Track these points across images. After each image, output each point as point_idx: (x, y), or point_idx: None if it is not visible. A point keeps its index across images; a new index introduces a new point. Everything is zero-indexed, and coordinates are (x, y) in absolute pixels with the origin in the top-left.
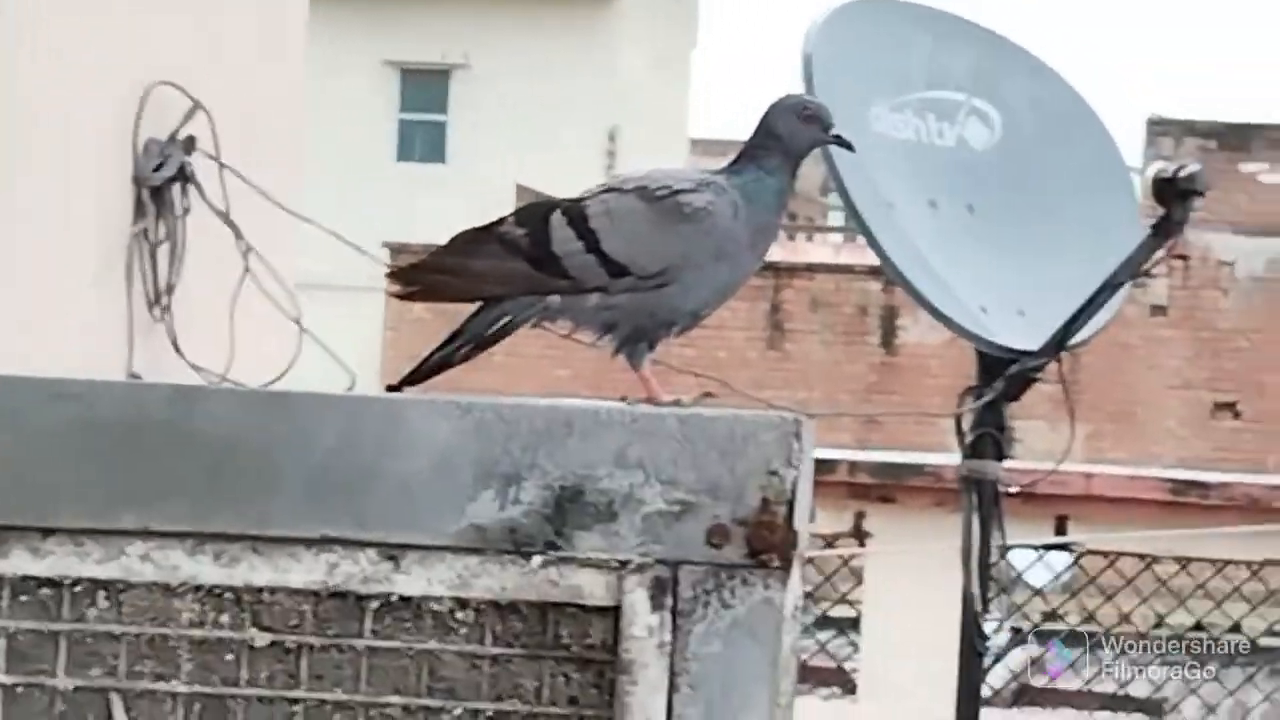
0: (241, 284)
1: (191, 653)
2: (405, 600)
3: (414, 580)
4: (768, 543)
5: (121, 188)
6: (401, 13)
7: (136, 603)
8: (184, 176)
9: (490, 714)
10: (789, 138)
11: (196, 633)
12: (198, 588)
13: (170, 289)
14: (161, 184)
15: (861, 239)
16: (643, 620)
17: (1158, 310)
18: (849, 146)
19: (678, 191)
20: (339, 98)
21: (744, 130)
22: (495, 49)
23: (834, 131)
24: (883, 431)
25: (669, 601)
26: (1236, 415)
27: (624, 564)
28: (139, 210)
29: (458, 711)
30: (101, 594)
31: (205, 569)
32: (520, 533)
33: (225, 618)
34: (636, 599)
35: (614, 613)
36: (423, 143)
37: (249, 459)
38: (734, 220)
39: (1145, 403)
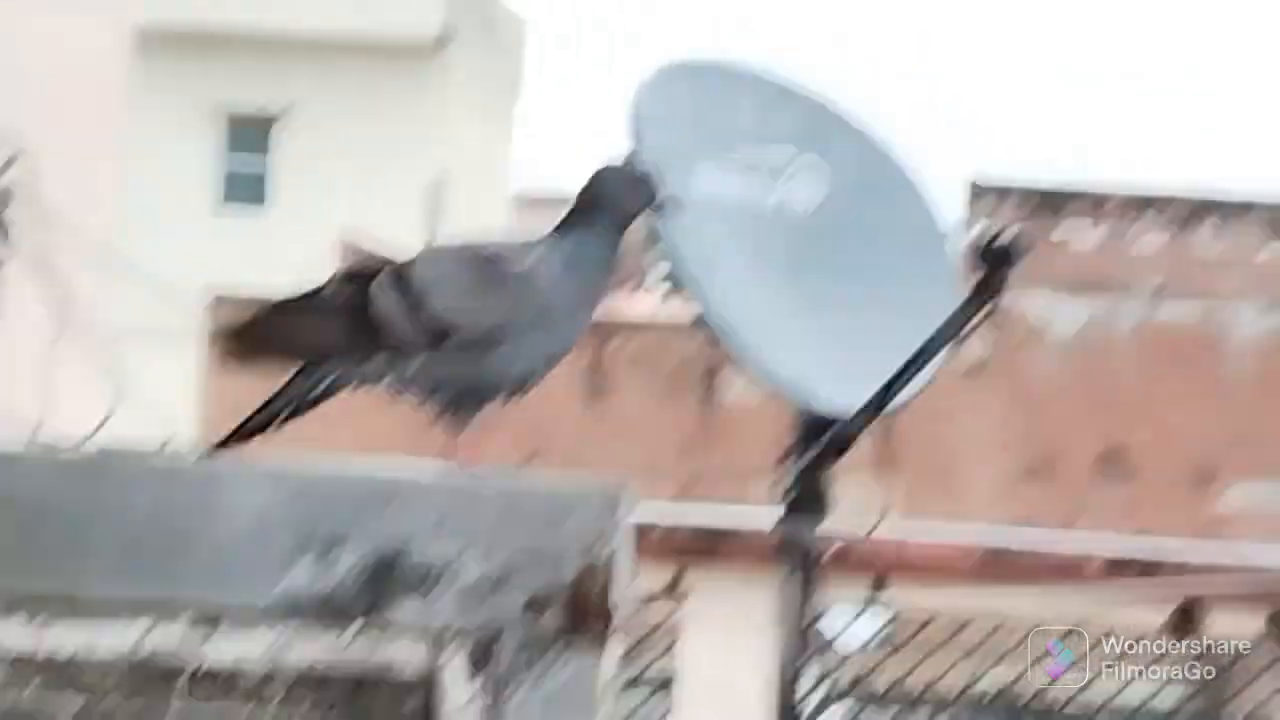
0: (59, 337)
1: None
2: (217, 670)
3: (226, 650)
4: (586, 612)
5: None
6: (228, 58)
7: None
8: (2, 228)
9: None
10: (616, 203)
11: (8, 694)
12: (7, 652)
13: None
14: None
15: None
16: (459, 690)
17: (975, 369)
18: (677, 210)
19: (501, 255)
20: (163, 143)
21: (568, 184)
22: (320, 97)
23: (662, 194)
24: (705, 484)
25: (487, 671)
26: (1051, 475)
27: (440, 634)
28: None
29: None
30: None
31: (15, 632)
32: (336, 601)
33: (35, 683)
34: (454, 668)
35: (429, 686)
36: (247, 189)
37: (62, 523)
38: (561, 284)
39: (961, 461)
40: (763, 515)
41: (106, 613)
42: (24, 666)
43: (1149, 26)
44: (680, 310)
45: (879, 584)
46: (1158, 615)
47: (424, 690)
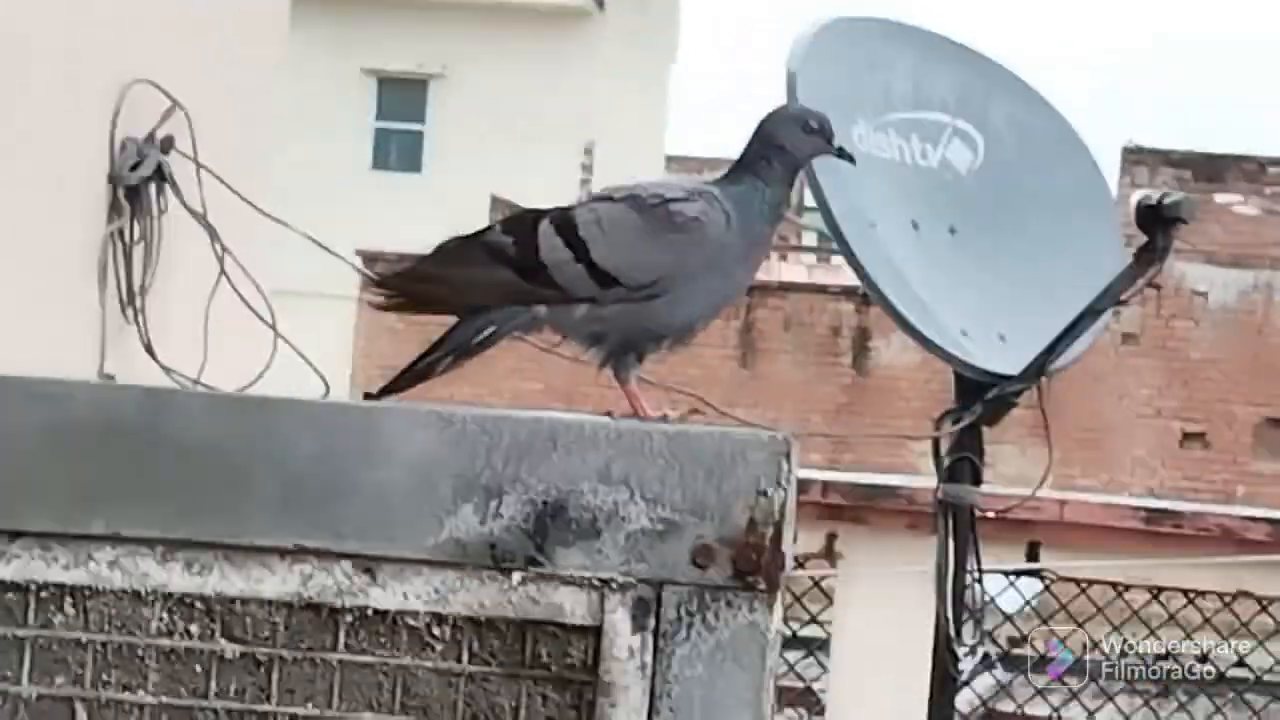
0: (216, 287)
1: (159, 663)
2: (380, 614)
3: (390, 594)
4: (754, 565)
5: (97, 187)
6: (380, 21)
7: (104, 610)
8: (161, 176)
9: None
10: (791, 148)
11: (165, 642)
12: (167, 596)
13: (144, 290)
14: (138, 183)
15: (836, 259)
16: (624, 641)
17: (1129, 338)
18: (851, 159)
19: (670, 201)
20: (316, 104)
21: (721, 148)
22: (474, 60)
23: (834, 141)
24: (853, 452)
25: (651, 623)
26: (1206, 445)
27: (606, 583)
28: (114, 210)
29: None
30: (68, 600)
31: (175, 577)
32: (500, 548)
33: (195, 628)
34: (618, 619)
35: (595, 633)
36: (398, 151)
37: (223, 466)
38: (727, 231)
39: (1115, 431)
40: (917, 478)
41: (269, 557)
42: (185, 610)
43: None
44: (832, 273)
45: (1035, 549)
46: None
47: (590, 639)
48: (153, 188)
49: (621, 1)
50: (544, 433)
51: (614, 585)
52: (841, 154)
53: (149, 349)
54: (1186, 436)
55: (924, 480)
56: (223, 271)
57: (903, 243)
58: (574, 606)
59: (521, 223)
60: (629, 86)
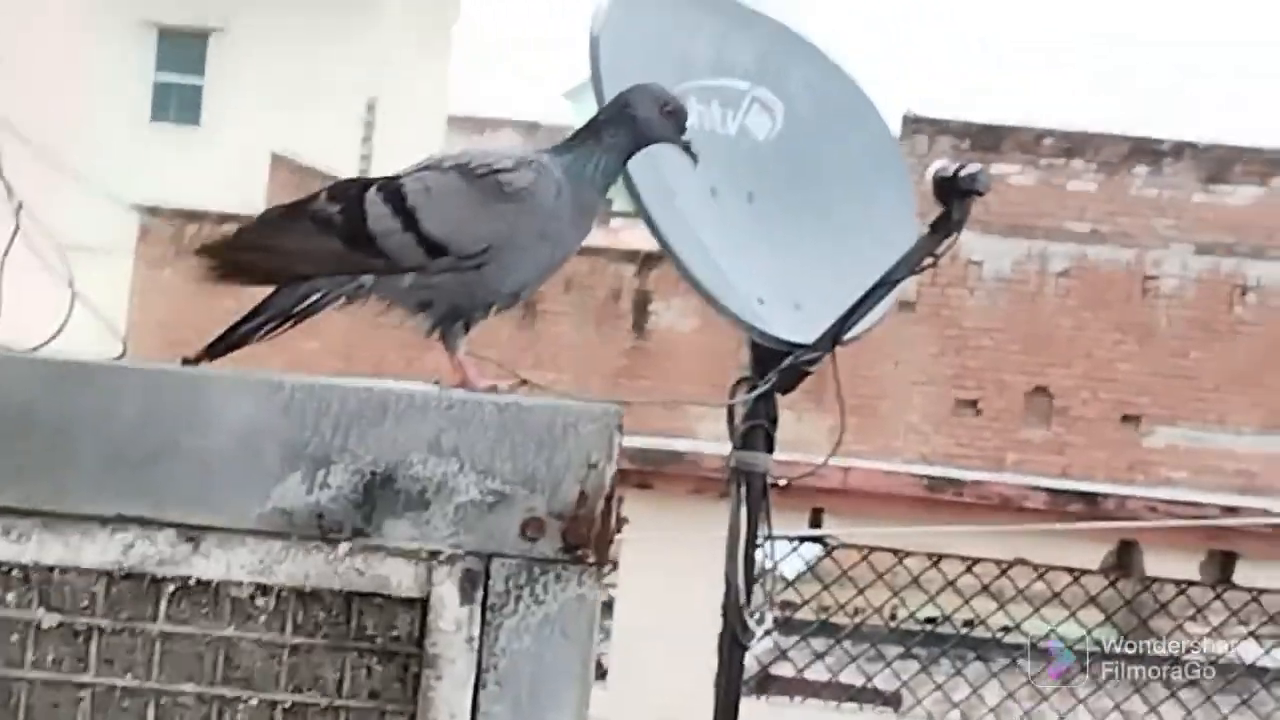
0: (12, 242)
1: None
2: (203, 584)
3: (213, 564)
4: (584, 537)
5: None
6: None
7: None
8: None
9: (288, 705)
10: (643, 124)
11: None
12: None
13: None
14: None
15: (616, 222)
16: (451, 613)
17: (905, 306)
18: (694, 158)
19: (499, 170)
20: (95, 54)
21: (502, 108)
22: (256, 14)
23: (685, 137)
24: (631, 416)
25: (479, 595)
26: (978, 413)
27: (434, 554)
28: None
29: (254, 702)
30: None
31: None
32: (328, 518)
33: (12, 596)
34: (445, 591)
35: (421, 605)
36: (178, 104)
37: (43, 430)
38: (556, 200)
39: (888, 397)
40: (698, 443)
41: (89, 525)
42: (3, 577)
43: None
44: (612, 236)
45: (818, 515)
46: (1096, 555)
47: (416, 610)
48: None
49: None
50: (374, 402)
51: (442, 557)
52: (687, 149)
53: None
54: (959, 404)
55: (709, 446)
56: (17, 226)
57: (701, 210)
58: (401, 578)
59: (348, 191)
60: (412, 44)
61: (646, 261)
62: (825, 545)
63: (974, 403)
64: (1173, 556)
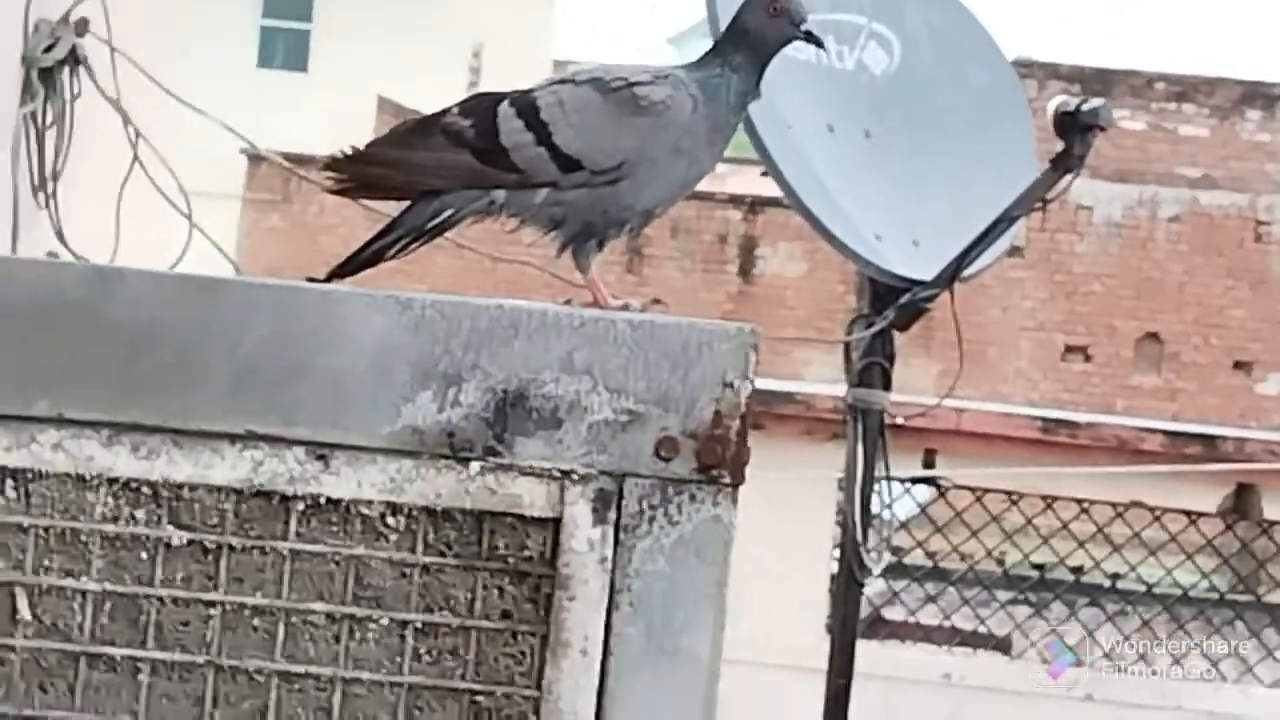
0: (130, 174)
1: (104, 549)
2: (333, 503)
3: (343, 482)
4: (719, 458)
5: (10, 68)
6: None
7: (47, 493)
8: (75, 60)
9: (419, 625)
10: (756, 34)
11: (109, 528)
12: (112, 480)
13: (56, 175)
14: (52, 65)
15: (723, 167)
16: (584, 534)
17: (1014, 251)
18: (819, 43)
19: (634, 84)
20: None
21: (609, 54)
22: None
23: (805, 27)
24: None
25: (612, 515)
26: (1087, 359)
27: (566, 474)
28: (27, 92)
29: (384, 621)
30: (10, 483)
31: (121, 461)
32: (459, 437)
33: (141, 513)
34: (578, 511)
35: (554, 525)
36: (285, 50)
37: (172, 347)
38: (692, 115)
39: (997, 342)
40: (807, 385)
41: (219, 442)
42: (132, 494)
43: None
44: (718, 181)
45: (931, 457)
46: (1213, 498)
47: (549, 530)
48: (66, 71)
49: None
50: (506, 319)
51: (574, 477)
52: (810, 37)
53: (59, 235)
54: (1068, 350)
55: (820, 388)
56: (135, 158)
57: (818, 146)
58: (533, 498)
59: (480, 105)
60: None
61: (753, 207)
62: (939, 487)
63: (1084, 349)
64: None
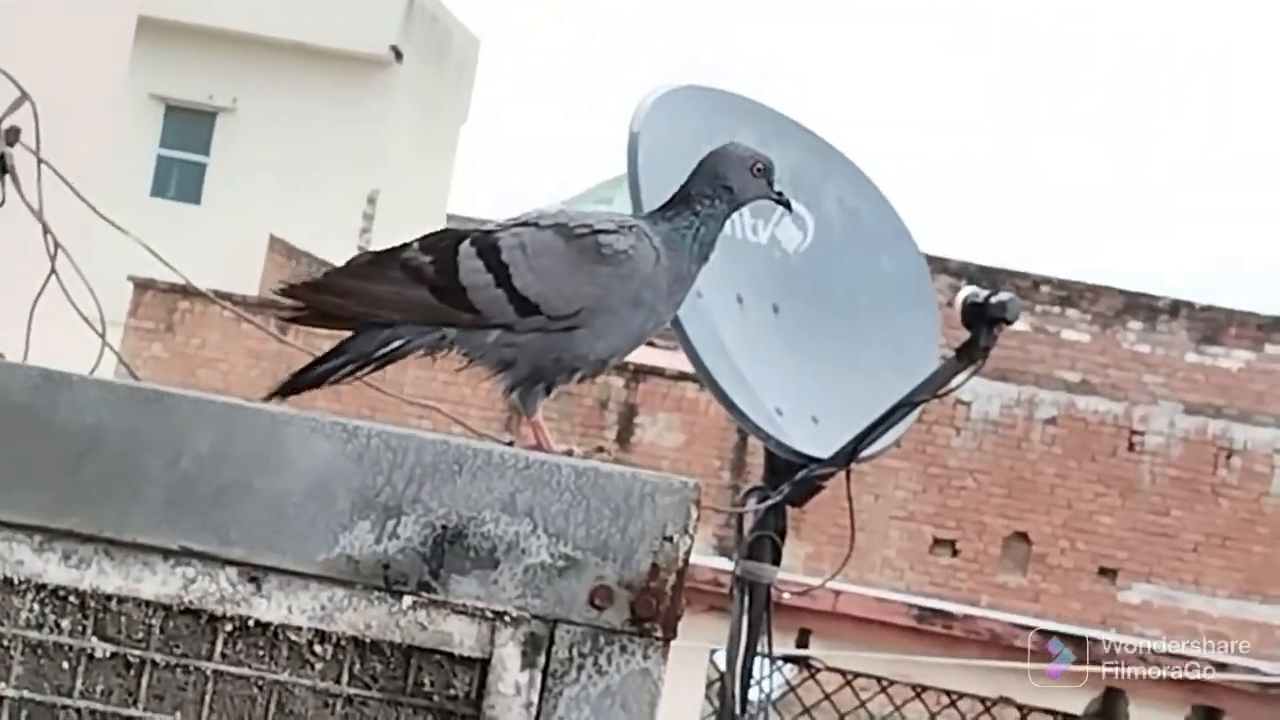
0: (45, 285)
1: (25, 656)
2: (262, 626)
3: (274, 606)
4: (653, 610)
5: None
6: (174, 47)
7: None
8: (2, 167)
9: None
10: (737, 188)
11: (34, 634)
12: (40, 586)
13: None
14: None
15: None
16: (511, 676)
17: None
18: (788, 206)
19: (598, 231)
20: (99, 125)
21: (502, 210)
22: (266, 97)
23: (777, 189)
24: None
25: (542, 660)
26: (955, 553)
27: (499, 615)
28: None
29: None
30: None
31: (51, 568)
32: (394, 569)
33: (66, 622)
34: (507, 653)
35: (482, 665)
36: (180, 181)
37: (113, 457)
38: (654, 267)
39: (867, 530)
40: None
41: (151, 555)
42: (59, 603)
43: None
44: None
45: (805, 636)
46: (1080, 701)
47: (476, 670)
48: None
49: (419, 56)
50: (450, 455)
51: (507, 618)
52: (780, 199)
53: None
54: (937, 542)
55: (696, 558)
56: (53, 271)
57: (726, 315)
58: (463, 636)
59: (440, 242)
60: (419, 140)
61: (636, 374)
62: (810, 668)
63: (952, 543)
64: (1157, 710)
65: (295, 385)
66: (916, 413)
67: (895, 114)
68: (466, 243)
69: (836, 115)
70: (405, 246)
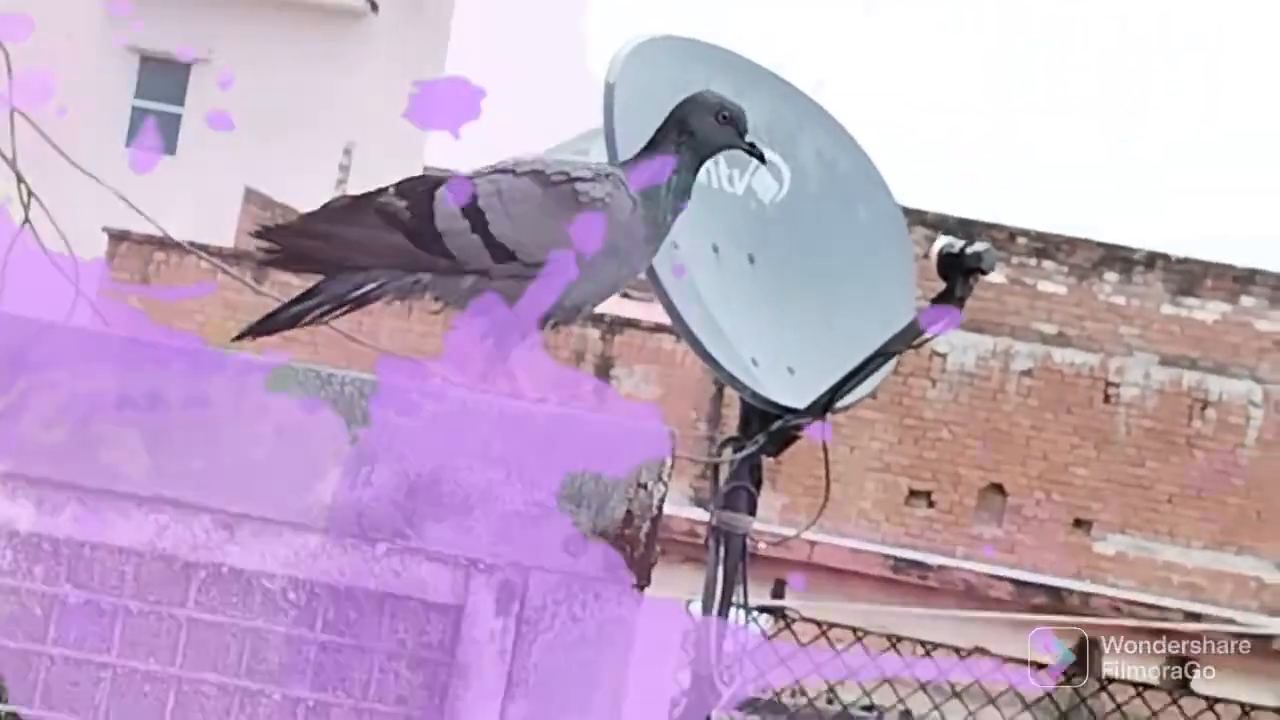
0: (18, 235)
1: None
2: (235, 573)
3: (247, 553)
4: (627, 557)
5: None
6: None
7: None
8: None
9: (311, 703)
10: (702, 136)
11: (6, 581)
12: (13, 534)
13: None
14: None
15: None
16: (485, 623)
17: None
18: (761, 157)
19: (575, 179)
20: (74, 77)
21: (479, 162)
22: (242, 48)
23: (748, 139)
24: None
25: (515, 607)
26: (931, 504)
27: (473, 562)
28: None
29: (277, 697)
30: None
31: (25, 514)
32: (368, 517)
33: (39, 569)
34: (481, 600)
35: (456, 612)
36: (154, 132)
37: (87, 405)
38: (630, 215)
39: (842, 481)
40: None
41: (125, 503)
42: (32, 549)
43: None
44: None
45: (780, 587)
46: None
47: (450, 618)
48: None
49: (395, 6)
50: (424, 403)
51: (481, 565)
52: (752, 150)
53: None
54: (912, 494)
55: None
56: (27, 220)
57: (702, 265)
58: (437, 583)
59: (417, 188)
60: (395, 91)
61: (612, 326)
62: (785, 618)
63: (928, 494)
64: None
65: (268, 326)
66: (892, 364)
67: (888, 92)
68: (443, 188)
69: (828, 93)
70: (381, 191)
